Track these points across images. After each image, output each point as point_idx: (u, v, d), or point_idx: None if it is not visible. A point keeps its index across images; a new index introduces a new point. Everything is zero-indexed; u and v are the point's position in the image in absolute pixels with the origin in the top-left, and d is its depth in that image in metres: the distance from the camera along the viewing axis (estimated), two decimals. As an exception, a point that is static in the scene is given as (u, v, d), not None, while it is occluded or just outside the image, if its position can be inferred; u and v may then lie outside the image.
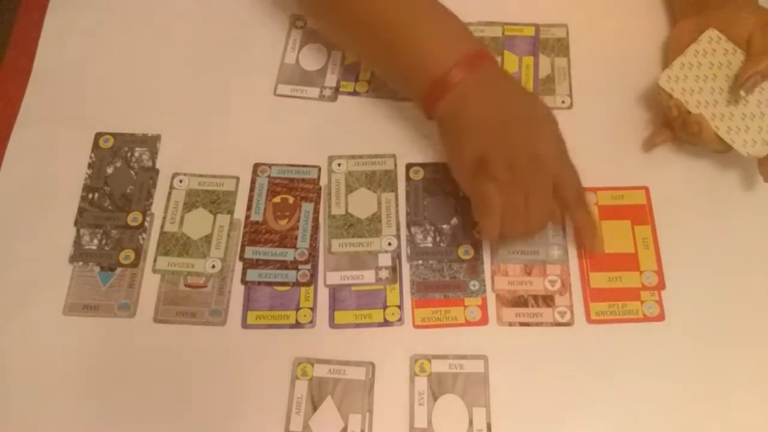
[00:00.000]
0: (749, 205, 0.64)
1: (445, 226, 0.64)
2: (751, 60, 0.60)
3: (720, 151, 0.63)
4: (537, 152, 0.56)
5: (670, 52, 0.67)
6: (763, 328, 0.60)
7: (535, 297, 0.61)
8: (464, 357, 0.59)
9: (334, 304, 0.61)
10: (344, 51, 0.71)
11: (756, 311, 0.61)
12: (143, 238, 0.64)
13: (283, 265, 0.63)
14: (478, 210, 0.58)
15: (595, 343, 0.60)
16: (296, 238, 0.64)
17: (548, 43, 0.72)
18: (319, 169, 0.66)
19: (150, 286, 0.62)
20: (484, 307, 0.61)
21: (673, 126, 0.64)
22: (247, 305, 0.61)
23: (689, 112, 0.62)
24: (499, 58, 0.71)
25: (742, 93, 0.60)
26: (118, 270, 0.62)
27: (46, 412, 0.58)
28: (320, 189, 0.66)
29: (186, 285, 0.62)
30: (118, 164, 0.67)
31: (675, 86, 0.62)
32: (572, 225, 0.63)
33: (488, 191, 0.56)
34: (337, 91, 0.70)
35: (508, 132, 0.57)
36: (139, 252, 0.63)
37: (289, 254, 0.63)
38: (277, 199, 0.65)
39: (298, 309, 0.61)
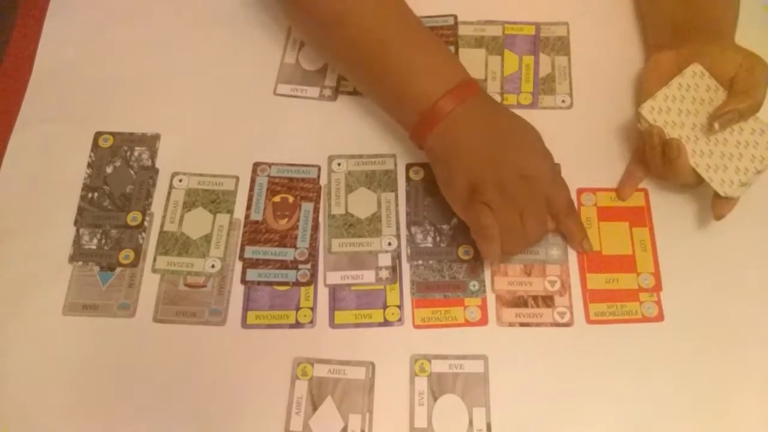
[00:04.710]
0: (746, 208, 0.64)
1: (445, 226, 0.64)
2: (733, 97, 0.59)
3: (690, 185, 0.62)
4: (527, 172, 0.57)
5: (644, 83, 0.65)
6: (762, 328, 0.60)
7: (534, 297, 0.61)
8: (464, 357, 0.59)
9: (334, 303, 0.61)
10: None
11: (754, 312, 0.60)
12: (143, 238, 0.64)
13: (283, 264, 0.63)
14: (478, 236, 0.59)
15: (594, 344, 0.60)
16: (296, 237, 0.64)
17: (549, 42, 0.72)
18: (319, 169, 0.66)
19: (150, 285, 0.62)
20: (484, 308, 0.61)
21: (647, 155, 0.63)
22: (247, 305, 0.61)
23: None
24: (499, 58, 0.71)
25: (716, 126, 0.59)
26: (118, 270, 0.62)
27: (46, 412, 0.58)
28: (320, 188, 0.66)
29: (186, 285, 0.62)
30: (118, 164, 0.67)
31: (658, 117, 0.61)
32: (564, 232, 0.63)
33: (485, 218, 0.57)
34: (337, 90, 0.70)
35: (496, 156, 0.58)
36: (138, 252, 0.63)
37: (289, 254, 0.63)
38: (277, 199, 0.65)
39: (298, 309, 0.61)
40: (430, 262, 0.63)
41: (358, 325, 0.60)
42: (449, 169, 0.59)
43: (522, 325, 0.60)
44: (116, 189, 0.66)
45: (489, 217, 0.57)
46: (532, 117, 0.60)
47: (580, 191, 0.65)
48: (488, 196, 0.57)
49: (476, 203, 0.57)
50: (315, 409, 0.57)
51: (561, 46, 0.72)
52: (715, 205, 0.61)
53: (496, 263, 0.62)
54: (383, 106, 0.64)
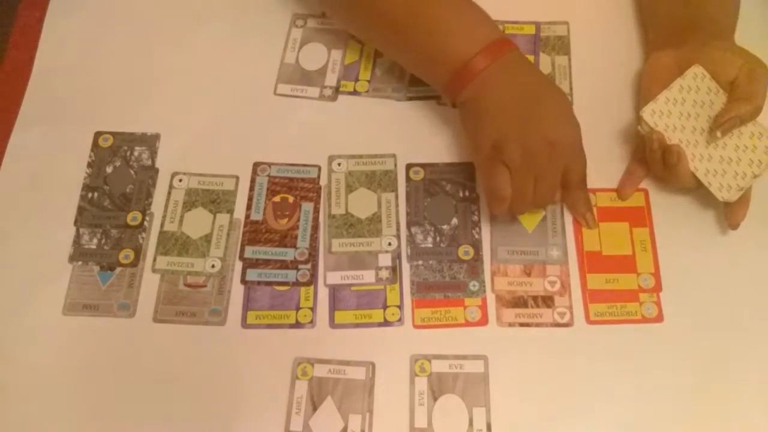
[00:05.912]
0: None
1: (445, 226, 0.64)
2: (733, 103, 0.59)
3: (689, 188, 0.62)
4: (553, 138, 0.57)
5: (644, 82, 0.65)
6: (761, 329, 0.60)
7: (534, 297, 0.61)
8: (464, 357, 0.59)
9: (334, 304, 0.61)
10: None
11: (754, 312, 0.60)
12: (143, 238, 0.64)
13: (283, 264, 0.63)
14: (489, 195, 0.60)
15: (594, 344, 0.60)
16: (296, 237, 0.64)
17: (549, 41, 0.72)
18: (319, 169, 0.66)
19: (149, 285, 0.62)
20: (483, 308, 0.61)
21: (648, 159, 0.63)
22: (247, 305, 0.61)
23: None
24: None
25: (718, 134, 0.59)
26: (118, 270, 0.62)
27: (46, 411, 0.58)
28: (320, 188, 0.66)
29: (185, 285, 0.62)
30: (118, 163, 0.67)
31: (659, 121, 0.61)
32: (570, 203, 0.63)
33: (501, 180, 0.58)
34: (337, 90, 0.70)
35: (525, 118, 0.58)
36: (138, 251, 0.63)
37: (289, 254, 0.63)
38: (277, 199, 0.65)
39: (298, 309, 0.61)
40: (430, 262, 0.63)
41: (358, 325, 0.60)
42: (478, 125, 0.60)
43: (522, 325, 0.60)
44: (116, 189, 0.66)
45: (505, 180, 0.58)
46: (533, 116, 0.60)
47: (580, 191, 0.65)
48: (509, 156, 0.57)
49: (496, 162, 0.58)
50: (315, 409, 0.57)
51: (561, 45, 0.72)
52: (728, 214, 0.62)
53: (499, 219, 0.63)
54: (413, 67, 0.66)
